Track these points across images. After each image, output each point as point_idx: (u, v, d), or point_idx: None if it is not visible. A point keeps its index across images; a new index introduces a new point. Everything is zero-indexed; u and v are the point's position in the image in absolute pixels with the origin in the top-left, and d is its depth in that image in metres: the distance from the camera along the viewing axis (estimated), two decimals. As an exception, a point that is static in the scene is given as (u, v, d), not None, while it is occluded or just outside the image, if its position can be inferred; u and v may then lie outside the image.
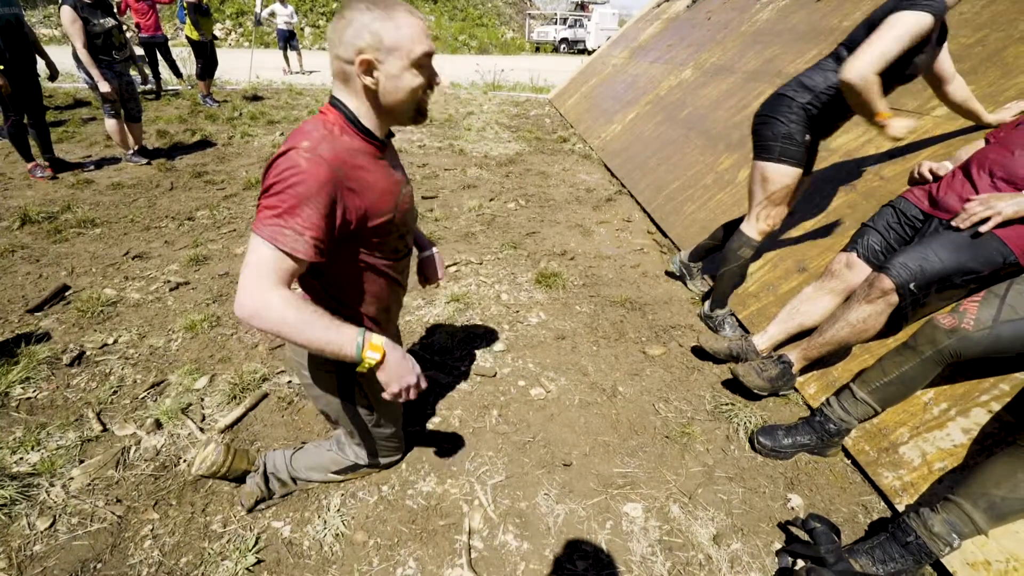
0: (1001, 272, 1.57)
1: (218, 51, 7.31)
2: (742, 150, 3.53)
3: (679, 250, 2.96)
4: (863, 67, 1.71)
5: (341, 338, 0.98)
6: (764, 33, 4.79)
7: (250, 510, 1.46)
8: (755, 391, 1.92)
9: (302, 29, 19.46)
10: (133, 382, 1.95)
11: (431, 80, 1.07)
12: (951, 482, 1.47)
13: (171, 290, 2.57)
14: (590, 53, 24.10)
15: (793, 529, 1.46)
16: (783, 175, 2.09)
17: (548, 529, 1.44)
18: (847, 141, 2.79)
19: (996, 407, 1.54)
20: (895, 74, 1.89)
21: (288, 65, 11.51)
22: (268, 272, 0.93)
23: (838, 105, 1.99)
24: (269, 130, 5.97)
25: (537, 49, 25.89)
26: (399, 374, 1.06)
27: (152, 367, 2.03)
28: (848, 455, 1.74)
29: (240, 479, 1.50)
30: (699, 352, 2.23)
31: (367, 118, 1.07)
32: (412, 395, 1.09)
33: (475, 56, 20.89)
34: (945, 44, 2.03)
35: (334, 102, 1.06)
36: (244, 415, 1.80)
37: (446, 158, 5.31)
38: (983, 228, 1.55)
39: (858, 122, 2.82)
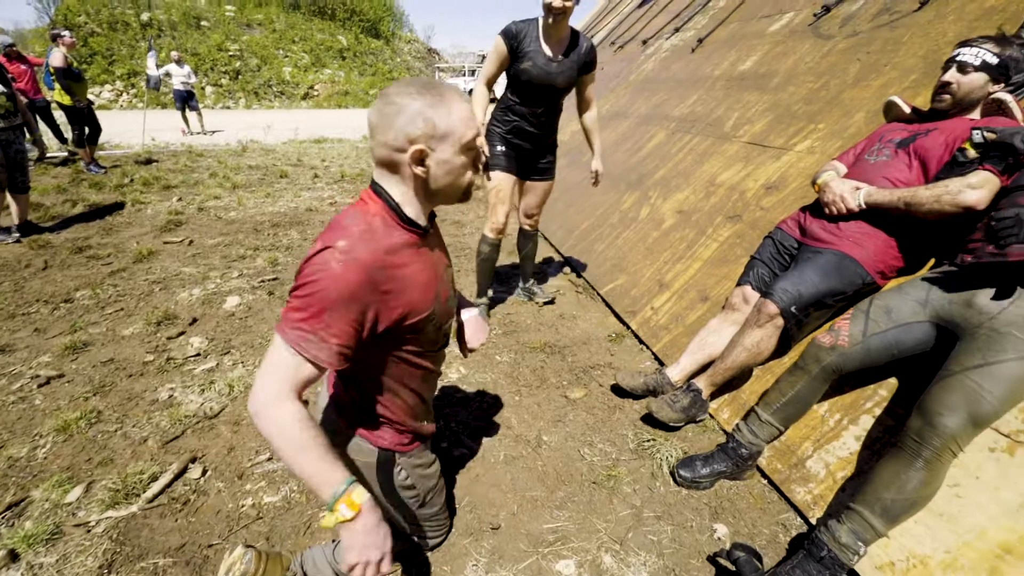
0: (862, 291, 1.75)
1: (108, 113, 6.86)
2: (641, 188, 3.77)
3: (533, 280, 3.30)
4: None
5: (324, 478, 0.90)
6: (650, 81, 5.24)
7: None
8: (671, 424, 1.97)
9: (202, 88, 18.81)
10: (-15, 505, 1.66)
11: (476, 161, 1.05)
12: (851, 489, 1.56)
13: (40, 386, 2.25)
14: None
15: (721, 561, 1.47)
16: (492, 181, 2.66)
17: (479, 605, 1.36)
18: (730, 176, 3.06)
19: (879, 412, 1.67)
20: None
21: (187, 126, 10.99)
22: (285, 378, 0.90)
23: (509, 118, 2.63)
24: (165, 196, 5.60)
25: (491, 99, 26.68)
26: (363, 544, 0.93)
27: (10, 484, 1.74)
28: (764, 475, 1.81)
29: None
30: (618, 390, 2.27)
31: (411, 206, 1.04)
32: (368, 574, 0.94)
33: (388, 109, 21.16)
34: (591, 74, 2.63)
35: (377, 189, 1.03)
36: (121, 521, 1.57)
37: (360, 213, 5.22)
38: (841, 208, 1.83)
39: (739, 158, 3.12)
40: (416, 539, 1.40)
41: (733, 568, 1.39)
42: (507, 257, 3.91)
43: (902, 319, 1.51)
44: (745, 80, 3.70)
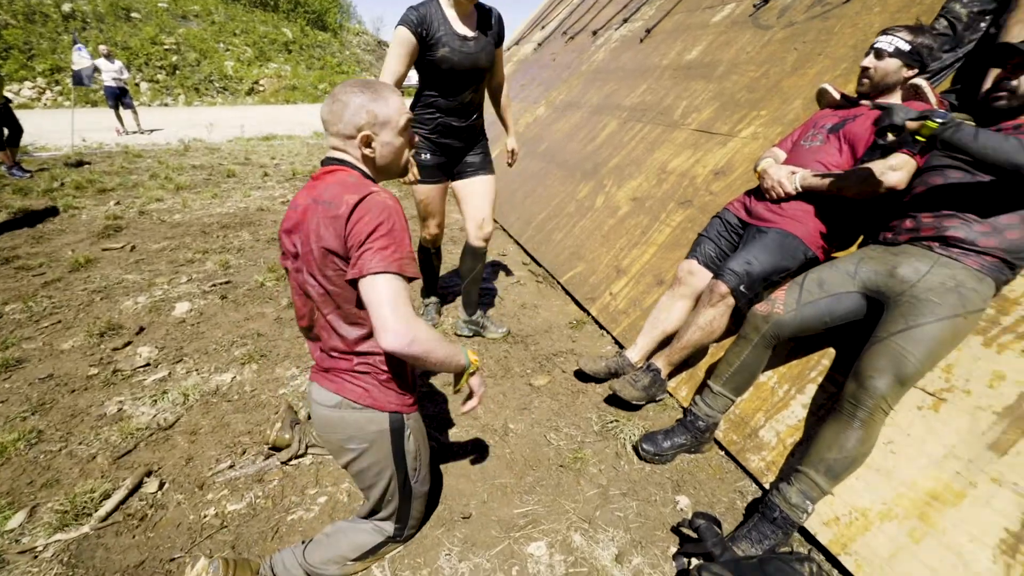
0: (805, 265, 1.86)
1: (30, 113, 6.37)
2: (596, 177, 3.84)
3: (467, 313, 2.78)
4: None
5: (457, 350, 1.20)
6: (601, 71, 5.31)
7: None
8: (633, 402, 2.04)
9: (136, 85, 17.73)
10: (-83, 537, 1.54)
11: (411, 141, 1.31)
12: (799, 454, 1.66)
13: (-29, 408, 2.11)
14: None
15: (683, 530, 1.55)
16: (419, 194, 2.45)
17: (453, 592, 1.38)
18: (680, 163, 3.16)
19: (821, 380, 1.79)
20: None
21: (122, 125, 10.36)
22: (406, 301, 1.08)
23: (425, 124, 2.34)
24: (101, 200, 5.27)
25: (402, 93, 26.19)
26: (482, 378, 1.32)
27: (-56, 513, 1.63)
28: (721, 447, 1.91)
29: None
30: (581, 375, 2.32)
31: (373, 175, 1.27)
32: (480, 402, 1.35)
33: (338, 103, 20.58)
34: (500, 48, 2.37)
35: (345, 162, 1.21)
36: (72, 542, 1.50)
37: (314, 211, 5.08)
38: (781, 192, 1.93)
39: (688, 145, 3.22)
40: (392, 533, 1.41)
41: (695, 536, 1.46)
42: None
43: (833, 290, 1.62)
44: (691, 69, 3.82)
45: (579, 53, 6.33)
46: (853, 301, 1.61)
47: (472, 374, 1.26)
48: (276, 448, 1.85)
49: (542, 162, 4.83)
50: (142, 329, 2.72)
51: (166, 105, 18.01)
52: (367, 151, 1.21)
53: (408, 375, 1.31)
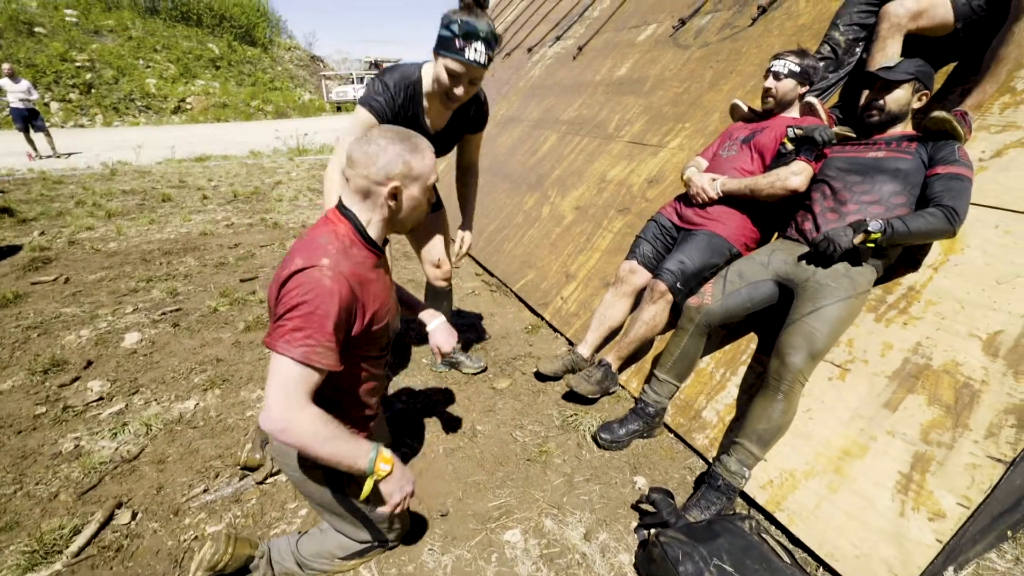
0: (731, 261, 2.11)
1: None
2: (540, 188, 4.04)
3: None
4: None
5: (357, 452, 1.09)
6: (539, 87, 5.56)
7: None
8: (589, 396, 2.22)
9: (46, 105, 16.51)
10: None
11: (430, 201, 1.26)
12: (736, 428, 1.89)
13: (-93, 459, 1.99)
14: (393, 108, 24.76)
15: (642, 506, 1.72)
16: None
17: (438, 583, 1.48)
18: (617, 173, 3.41)
19: (750, 361, 2.03)
20: None
21: (35, 149, 9.67)
22: (299, 389, 1.01)
23: None
24: (22, 231, 4.95)
25: (339, 109, 25.78)
26: (400, 485, 1.18)
27: None
28: (670, 430, 2.11)
29: (246, 569, 1.41)
30: (540, 376, 2.48)
31: (375, 230, 1.20)
32: (407, 505, 1.20)
33: (273, 121, 20.01)
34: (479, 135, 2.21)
35: (346, 212, 1.18)
36: (54, 584, 1.49)
37: (260, 234, 5.00)
38: (705, 197, 2.15)
39: (623, 156, 3.47)
40: (375, 539, 1.49)
41: (653, 509, 1.64)
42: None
43: (751, 279, 1.88)
44: (623, 85, 4.11)
45: (516, 70, 6.58)
46: (768, 288, 1.86)
47: (381, 480, 1.14)
48: (248, 468, 1.89)
49: (488, 175, 5.00)
50: (90, 363, 2.64)
51: (82, 126, 16.92)
52: (392, 203, 1.16)
53: (350, 420, 1.30)
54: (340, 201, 1.21)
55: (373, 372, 1.32)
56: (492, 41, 1.65)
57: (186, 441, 2.08)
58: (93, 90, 18.13)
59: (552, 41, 6.04)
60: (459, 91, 1.72)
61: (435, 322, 1.61)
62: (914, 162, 1.74)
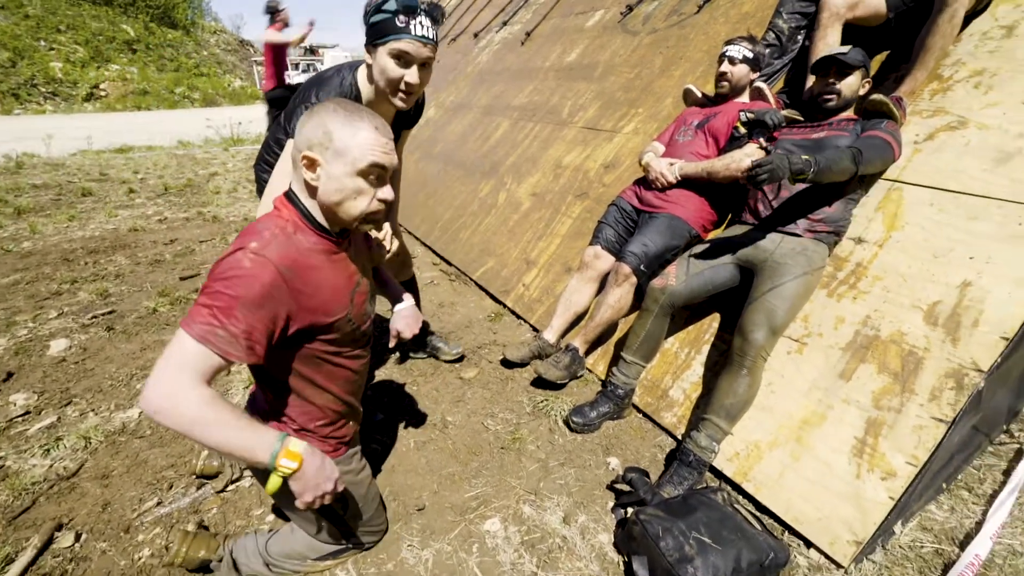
0: (691, 243, 2.17)
1: None
2: (495, 176, 4.00)
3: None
4: None
5: (255, 443, 0.93)
6: (487, 73, 5.49)
7: None
8: (558, 381, 2.23)
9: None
10: None
11: (376, 189, 1.06)
12: (703, 405, 1.95)
13: None
14: (333, 95, 23.80)
15: (618, 486, 1.76)
16: None
17: (420, 580, 1.45)
18: (573, 158, 3.42)
19: (713, 340, 2.10)
20: None
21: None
22: (189, 368, 0.88)
23: None
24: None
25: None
26: (315, 483, 1.00)
27: None
28: (639, 410, 2.16)
29: (203, 569, 1.35)
30: (507, 363, 2.46)
31: (319, 214, 1.07)
32: (326, 501, 1.04)
33: (202, 109, 18.75)
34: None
35: (291, 196, 1.07)
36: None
37: (198, 228, 4.68)
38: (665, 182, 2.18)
39: (578, 142, 3.48)
40: (350, 542, 1.43)
41: (629, 488, 1.67)
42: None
43: (712, 261, 1.94)
44: (573, 71, 4.12)
45: (463, 55, 6.46)
46: (728, 271, 1.93)
47: (287, 477, 0.96)
48: (206, 477, 1.77)
49: (439, 163, 4.90)
50: (10, 375, 2.38)
51: (14, 115, 15.19)
52: (308, 175, 1.02)
53: (331, 424, 1.26)
54: (289, 187, 1.10)
55: (346, 365, 1.23)
56: (436, 16, 1.46)
57: (132, 452, 1.92)
58: (-12, 74, 16.32)
59: (499, 26, 5.97)
60: (412, 78, 1.46)
61: (402, 304, 1.53)
62: (851, 137, 1.84)
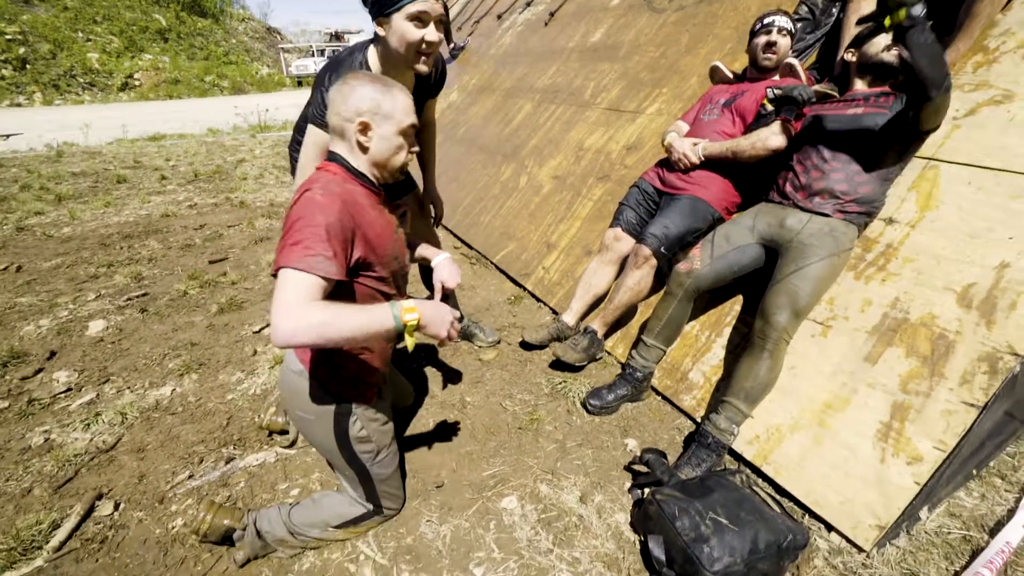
0: (713, 225, 2.12)
1: None
2: (516, 159, 3.98)
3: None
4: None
5: (377, 316, 1.06)
6: (510, 55, 5.42)
7: (243, 564, 1.42)
8: (576, 364, 2.23)
9: (-22, 84, 15.35)
10: None
11: (411, 145, 1.28)
12: (723, 387, 1.93)
13: None
14: (356, 82, 23.90)
15: (635, 467, 1.76)
16: None
17: (439, 553, 1.48)
18: (595, 140, 3.37)
19: (734, 323, 2.07)
20: None
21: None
22: (302, 295, 1.00)
23: None
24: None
25: (300, 83, 24.70)
26: (441, 320, 1.16)
27: None
28: (657, 392, 2.14)
29: (226, 540, 1.45)
30: (526, 345, 2.47)
31: (363, 168, 1.25)
32: (455, 332, 1.20)
33: (231, 97, 19.07)
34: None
35: (333, 156, 1.24)
36: (36, 579, 1.43)
37: (226, 214, 4.80)
38: (688, 162, 2.14)
39: (601, 123, 3.43)
40: (372, 508, 1.48)
41: (647, 469, 1.67)
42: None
43: (737, 243, 1.89)
44: (597, 51, 4.04)
45: (486, 37, 6.39)
46: (754, 251, 1.88)
47: (416, 328, 1.11)
48: (272, 432, 1.92)
49: (462, 147, 4.89)
50: (53, 354, 2.51)
51: (18, 105, 15.83)
52: (362, 138, 1.20)
53: (366, 370, 1.36)
54: (329, 150, 1.25)
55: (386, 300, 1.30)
56: None
57: (165, 428, 2.01)
58: (28, 66, 16.90)
59: (522, 7, 5.87)
60: (432, 35, 1.48)
61: (440, 256, 1.58)
62: (890, 115, 1.73)
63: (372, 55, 1.62)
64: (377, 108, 1.18)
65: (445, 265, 1.55)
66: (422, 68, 1.56)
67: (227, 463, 1.82)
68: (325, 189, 1.12)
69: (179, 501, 1.68)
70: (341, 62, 1.62)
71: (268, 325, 2.75)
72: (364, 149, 1.22)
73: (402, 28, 1.46)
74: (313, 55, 26.62)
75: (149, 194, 5.45)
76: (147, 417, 2.07)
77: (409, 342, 1.12)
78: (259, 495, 1.69)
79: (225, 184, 5.91)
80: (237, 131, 10.15)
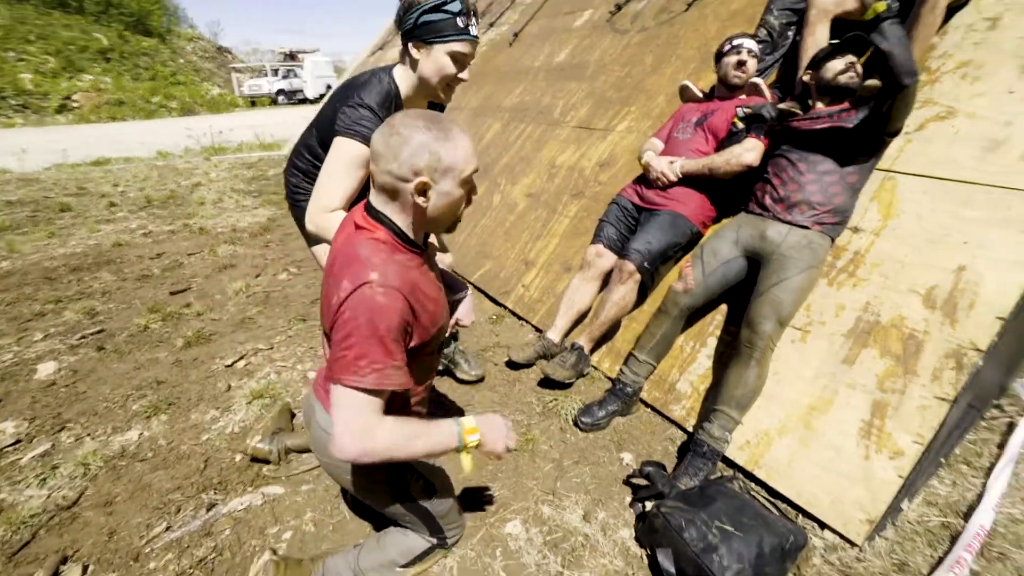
0: (692, 240, 2.19)
1: None
2: (488, 177, 4.00)
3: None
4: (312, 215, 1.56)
5: (441, 439, 1.06)
6: (476, 75, 5.47)
7: None
8: (565, 381, 2.24)
9: None
10: None
11: (471, 193, 1.11)
12: (712, 396, 1.97)
13: None
14: (313, 102, 23.56)
15: (634, 480, 1.76)
16: None
17: (445, 586, 1.44)
18: (567, 158, 3.43)
19: (718, 332, 2.13)
20: None
21: None
22: (370, 412, 0.98)
23: None
24: None
25: (253, 103, 24.13)
26: (500, 437, 1.14)
27: None
28: (647, 405, 2.17)
29: None
30: (513, 365, 2.46)
31: (411, 231, 1.08)
32: (512, 443, 1.17)
33: (180, 118, 18.36)
34: None
35: (378, 216, 1.06)
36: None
37: (184, 241, 4.59)
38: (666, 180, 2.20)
39: (572, 141, 3.50)
40: (437, 541, 1.42)
41: (647, 482, 1.68)
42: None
43: (725, 258, 1.96)
44: (563, 71, 4.13)
45: (448, 57, 6.43)
46: (739, 264, 1.96)
47: (475, 447, 1.11)
48: (257, 460, 1.87)
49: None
50: (-1, 401, 2.31)
51: None
52: (419, 200, 1.01)
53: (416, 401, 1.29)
54: (368, 202, 1.08)
55: (428, 360, 1.25)
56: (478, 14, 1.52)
57: (135, 477, 1.87)
58: (-47, 89, 15.82)
59: (486, 28, 5.96)
60: (465, 75, 1.53)
61: (462, 293, 1.54)
62: (856, 123, 1.83)
63: (399, 75, 1.57)
64: (437, 163, 0.99)
65: (466, 304, 1.54)
66: (444, 98, 1.62)
67: (208, 510, 1.71)
68: (385, 284, 0.98)
69: (157, 557, 1.56)
70: (367, 82, 1.55)
71: (241, 358, 2.63)
72: (421, 210, 1.04)
73: (441, 61, 1.47)
74: (266, 75, 26.07)
75: (97, 222, 5.15)
76: (113, 466, 1.92)
77: (466, 460, 1.12)
78: (247, 541, 1.60)
79: (181, 210, 5.66)
80: (189, 153, 9.78)
